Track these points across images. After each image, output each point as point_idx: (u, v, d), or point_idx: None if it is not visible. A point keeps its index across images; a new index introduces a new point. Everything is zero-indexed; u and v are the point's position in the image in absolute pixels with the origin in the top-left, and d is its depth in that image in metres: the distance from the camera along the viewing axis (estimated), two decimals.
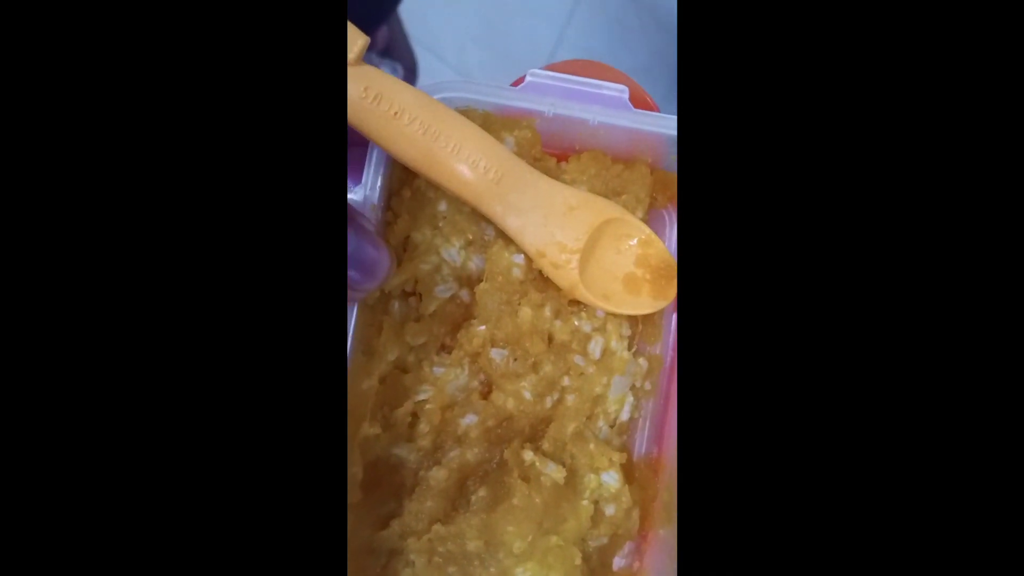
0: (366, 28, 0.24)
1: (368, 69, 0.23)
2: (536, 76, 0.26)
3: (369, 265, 0.22)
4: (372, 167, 0.25)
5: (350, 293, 0.22)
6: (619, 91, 0.26)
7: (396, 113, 0.23)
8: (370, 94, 0.23)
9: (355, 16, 0.24)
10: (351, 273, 0.21)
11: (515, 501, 0.26)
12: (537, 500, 0.26)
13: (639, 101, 0.27)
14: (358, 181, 0.25)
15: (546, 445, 0.27)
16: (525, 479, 0.26)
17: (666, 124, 0.26)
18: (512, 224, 0.26)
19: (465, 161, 0.24)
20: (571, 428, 0.28)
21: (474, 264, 0.29)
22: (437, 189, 0.28)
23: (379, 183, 0.25)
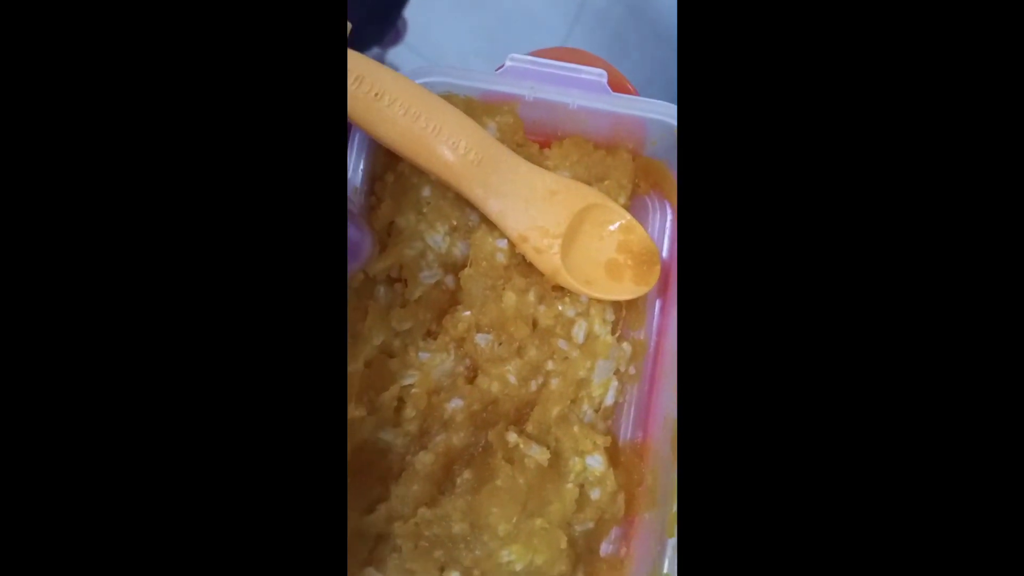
0: (382, 28, 0.24)
1: (350, 52, 0.24)
2: (516, 61, 0.26)
3: (352, 246, 0.22)
4: (354, 151, 0.26)
5: None
6: (597, 75, 0.26)
7: (377, 94, 0.23)
8: (351, 76, 0.23)
9: (365, 20, 0.24)
10: None
11: (499, 482, 0.26)
12: (521, 481, 0.26)
13: (618, 86, 0.28)
14: None
15: (530, 428, 0.28)
16: (509, 461, 0.26)
17: (644, 107, 0.27)
18: (493, 207, 0.27)
19: (445, 142, 0.25)
20: (555, 411, 0.28)
21: (458, 250, 0.29)
22: (420, 174, 0.28)
23: (361, 167, 0.26)
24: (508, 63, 0.26)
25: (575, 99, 0.26)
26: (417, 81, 0.25)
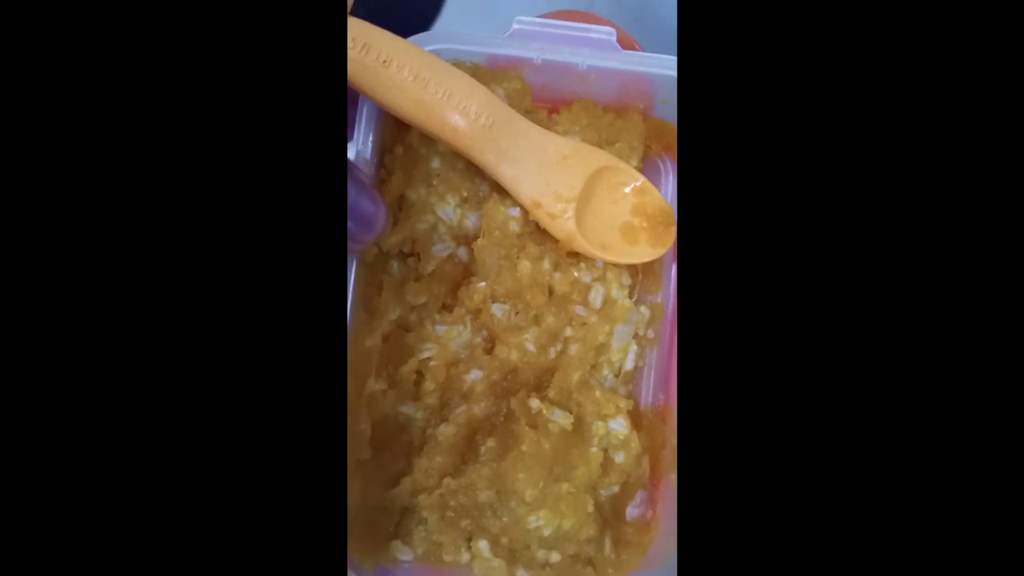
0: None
1: (355, 20, 0.23)
2: (523, 23, 0.26)
3: (366, 217, 0.22)
4: (363, 122, 0.25)
5: (349, 244, 0.22)
6: (607, 33, 0.26)
7: (385, 61, 0.23)
8: (358, 44, 0.23)
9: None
10: (349, 225, 0.21)
11: (524, 447, 0.26)
12: (546, 445, 0.26)
13: (626, 46, 0.27)
14: (349, 137, 0.25)
15: (552, 394, 0.27)
16: (533, 426, 0.26)
17: (655, 63, 0.26)
18: (506, 173, 0.26)
19: (456, 108, 0.24)
20: (576, 377, 0.28)
21: (470, 222, 0.29)
22: (429, 146, 0.28)
23: (371, 138, 0.25)
24: (515, 26, 0.26)
25: (585, 58, 0.26)
26: (425, 48, 0.25)
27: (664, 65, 0.26)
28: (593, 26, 0.26)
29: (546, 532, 0.26)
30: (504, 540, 0.26)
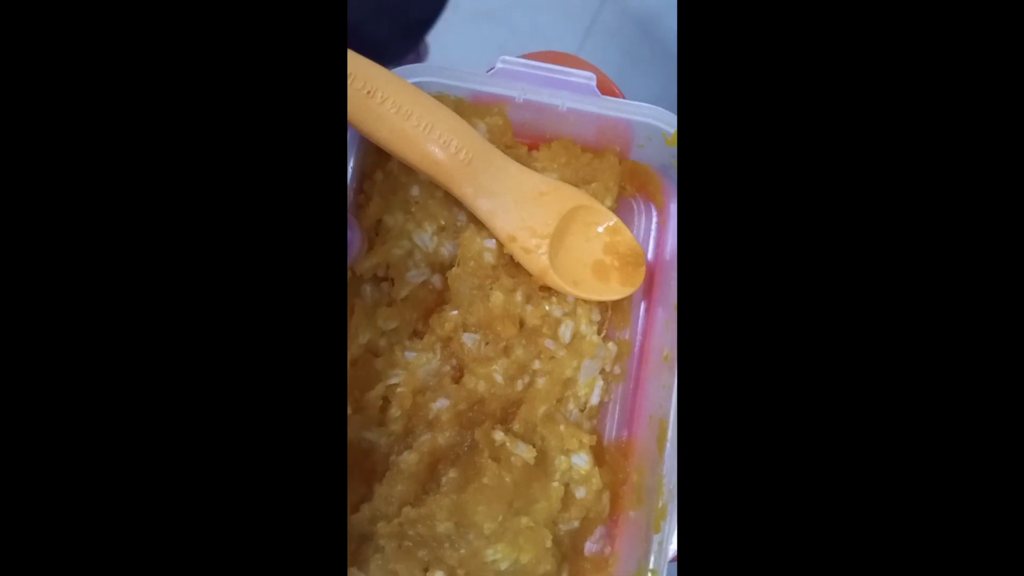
0: (399, 55, 0.25)
1: None
2: (507, 63, 0.27)
3: None
4: None
5: None
6: (587, 78, 0.27)
7: (369, 92, 0.24)
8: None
9: (387, 43, 0.24)
10: None
11: (485, 480, 0.26)
12: (507, 479, 0.26)
13: (606, 90, 0.28)
14: None
15: (517, 427, 0.28)
16: (495, 459, 0.26)
17: (632, 110, 0.27)
18: (483, 207, 0.27)
19: (436, 141, 0.25)
20: (542, 410, 0.28)
21: (446, 250, 0.29)
22: (409, 173, 0.28)
23: (351, 164, 0.26)
24: (499, 65, 0.27)
25: (565, 101, 0.27)
26: (409, 81, 0.25)
27: (642, 112, 0.27)
28: (575, 70, 0.27)
29: (503, 565, 0.26)
30: (461, 572, 0.26)
